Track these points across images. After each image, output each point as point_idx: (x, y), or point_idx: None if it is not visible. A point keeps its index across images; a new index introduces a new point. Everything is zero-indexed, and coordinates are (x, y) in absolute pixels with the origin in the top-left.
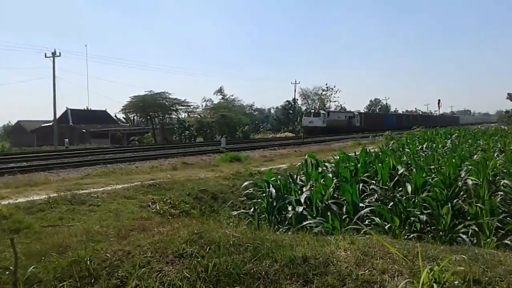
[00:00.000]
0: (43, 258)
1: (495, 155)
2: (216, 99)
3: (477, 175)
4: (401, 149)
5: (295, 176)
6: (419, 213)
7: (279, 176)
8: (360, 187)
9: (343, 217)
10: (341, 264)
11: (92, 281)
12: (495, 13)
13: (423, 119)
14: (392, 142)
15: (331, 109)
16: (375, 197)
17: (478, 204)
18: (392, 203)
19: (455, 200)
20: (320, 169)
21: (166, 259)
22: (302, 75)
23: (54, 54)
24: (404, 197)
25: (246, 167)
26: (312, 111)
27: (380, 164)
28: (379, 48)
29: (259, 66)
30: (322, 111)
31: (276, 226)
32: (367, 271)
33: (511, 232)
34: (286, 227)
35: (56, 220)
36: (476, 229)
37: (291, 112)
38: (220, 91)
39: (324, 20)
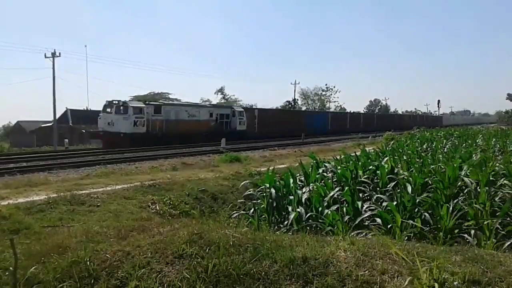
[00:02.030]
0: (43, 258)
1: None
2: (217, 99)
3: (477, 175)
4: (401, 149)
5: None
6: (419, 214)
7: (278, 177)
8: (360, 189)
9: (344, 219)
10: (341, 264)
11: (92, 281)
12: (495, 13)
13: (383, 120)
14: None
15: (171, 100)
16: (374, 198)
17: (477, 206)
18: (395, 203)
19: (455, 201)
20: (320, 170)
21: (166, 259)
22: (302, 75)
23: (54, 54)
24: (405, 198)
25: (246, 168)
26: (114, 102)
27: (379, 165)
28: (379, 48)
29: (259, 66)
30: (134, 104)
31: (276, 227)
32: (367, 271)
33: (511, 233)
34: (286, 228)
35: (56, 220)
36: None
37: None
38: (220, 90)
39: (324, 20)
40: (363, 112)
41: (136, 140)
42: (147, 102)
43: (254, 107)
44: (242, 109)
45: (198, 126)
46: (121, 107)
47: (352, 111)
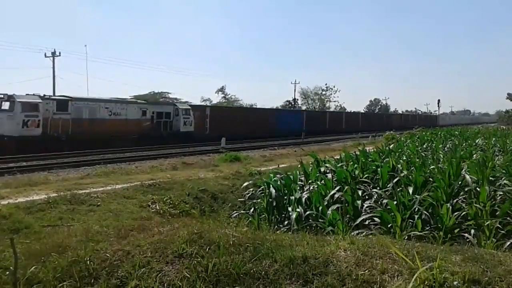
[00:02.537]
0: (43, 258)
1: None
2: (218, 98)
3: (476, 175)
4: (400, 149)
5: (294, 176)
6: (419, 213)
7: (278, 176)
8: (360, 188)
9: (345, 218)
10: (341, 264)
11: (92, 281)
12: (495, 13)
13: (369, 121)
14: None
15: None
16: (375, 198)
17: (477, 205)
18: (395, 202)
19: (455, 200)
20: (320, 169)
21: (166, 259)
22: (302, 75)
23: (54, 54)
24: (405, 197)
25: (246, 167)
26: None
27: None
28: (379, 48)
29: (260, 66)
30: (24, 99)
31: (276, 226)
32: (367, 271)
33: (511, 233)
34: (286, 227)
35: (56, 220)
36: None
37: None
38: (221, 90)
39: (323, 20)
40: (346, 111)
41: (27, 145)
42: (46, 96)
43: (206, 104)
44: (189, 107)
45: (125, 126)
46: (6, 103)
47: (333, 110)
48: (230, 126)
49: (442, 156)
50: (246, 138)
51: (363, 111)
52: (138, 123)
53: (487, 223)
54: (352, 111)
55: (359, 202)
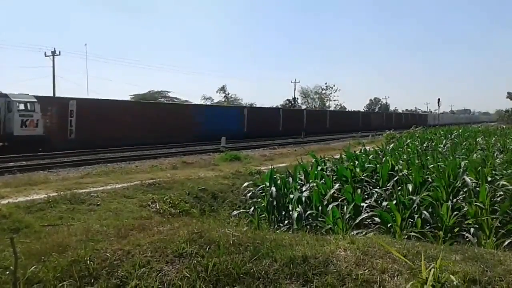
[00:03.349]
0: (43, 257)
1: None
2: (219, 97)
3: (476, 174)
4: (401, 148)
5: (294, 175)
6: (419, 212)
7: (278, 175)
8: (360, 187)
9: (345, 217)
10: (341, 263)
11: (92, 280)
12: (495, 13)
13: (341, 120)
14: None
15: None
16: (375, 197)
17: (477, 204)
18: (394, 202)
19: (455, 199)
20: (319, 168)
21: (166, 258)
22: (302, 74)
23: (54, 53)
24: (405, 197)
25: (246, 166)
26: None
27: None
28: (379, 48)
29: (261, 66)
30: None
31: (276, 226)
32: (367, 270)
33: (511, 232)
34: (286, 227)
35: (56, 219)
36: (477, 227)
37: None
38: (222, 89)
39: (323, 20)
40: (309, 109)
41: None
42: None
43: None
44: (33, 99)
45: None
46: None
47: (296, 108)
48: (120, 127)
49: (440, 157)
50: (153, 143)
51: (333, 110)
52: None
53: (485, 218)
54: (316, 109)
55: (359, 201)
